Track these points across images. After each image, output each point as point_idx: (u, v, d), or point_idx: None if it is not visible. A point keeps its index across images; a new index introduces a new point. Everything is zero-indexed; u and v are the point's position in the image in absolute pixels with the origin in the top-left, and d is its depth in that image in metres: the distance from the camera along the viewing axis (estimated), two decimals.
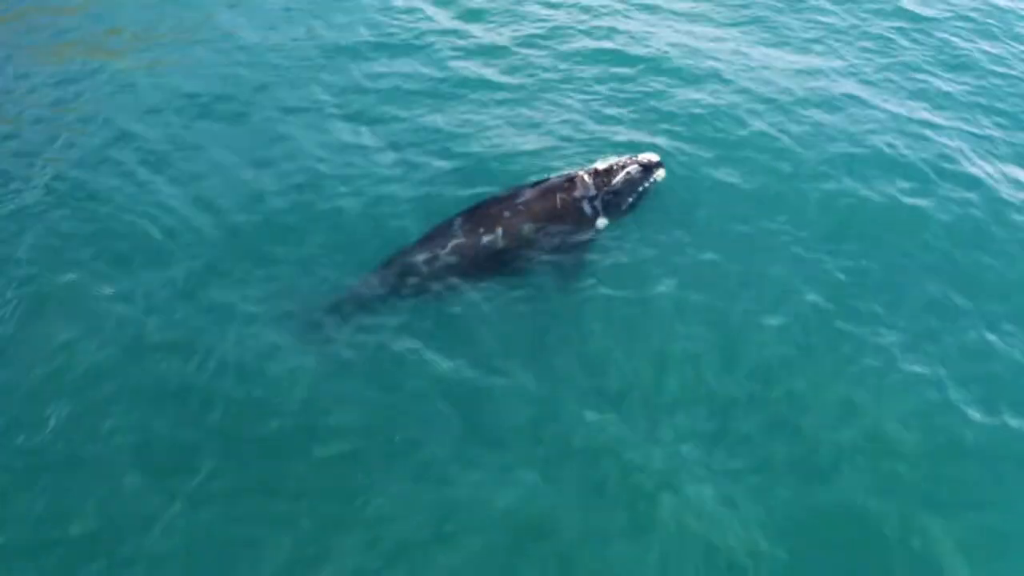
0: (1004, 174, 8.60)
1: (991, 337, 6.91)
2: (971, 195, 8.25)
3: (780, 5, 11.42)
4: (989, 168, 8.66)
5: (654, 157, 8.25)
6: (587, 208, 7.81)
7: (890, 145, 8.87)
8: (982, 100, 9.79)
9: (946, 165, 8.61)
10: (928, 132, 9.09)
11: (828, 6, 11.51)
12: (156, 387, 6.52)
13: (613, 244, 7.72)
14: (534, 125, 9.12)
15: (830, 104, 9.53)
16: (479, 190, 8.02)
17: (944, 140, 8.99)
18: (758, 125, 9.10)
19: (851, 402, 6.46)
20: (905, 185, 8.34)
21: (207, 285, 7.30)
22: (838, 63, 10.36)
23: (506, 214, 7.63)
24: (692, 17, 11.28)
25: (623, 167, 8.07)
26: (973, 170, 8.58)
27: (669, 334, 6.92)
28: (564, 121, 9.19)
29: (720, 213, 8.02)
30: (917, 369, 6.66)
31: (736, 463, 6.07)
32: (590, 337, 6.94)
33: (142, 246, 7.65)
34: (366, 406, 6.48)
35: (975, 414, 6.33)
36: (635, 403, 6.45)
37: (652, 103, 9.43)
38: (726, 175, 8.39)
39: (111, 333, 6.88)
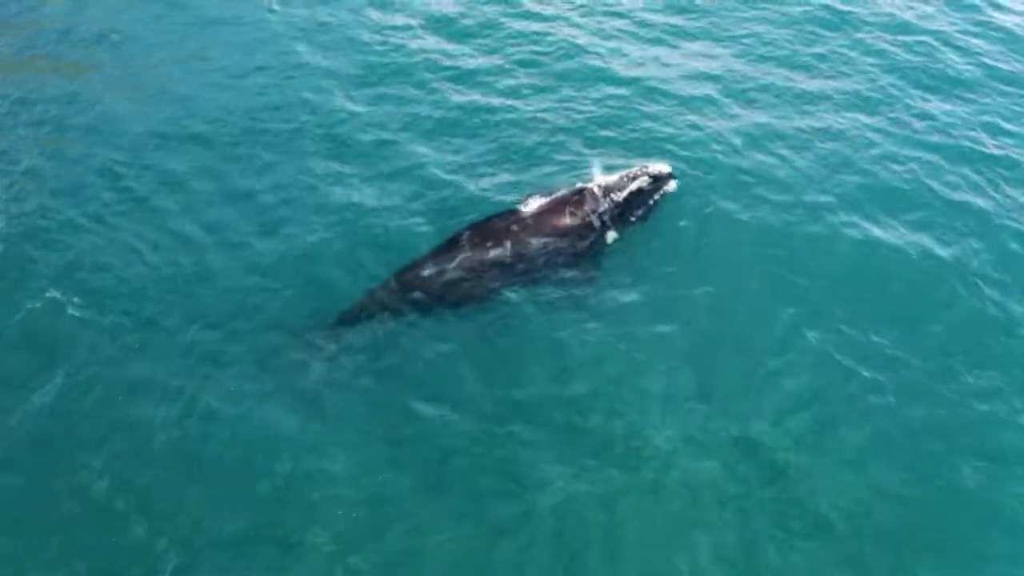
0: (1012, 200, 8.57)
1: (996, 380, 6.83)
2: (978, 227, 8.18)
3: (781, 25, 11.37)
4: (996, 196, 8.60)
5: (665, 168, 8.21)
6: (596, 221, 7.76)
7: (895, 173, 8.82)
8: (987, 119, 9.79)
9: (951, 194, 8.56)
10: (933, 157, 9.04)
11: (829, 19, 11.52)
12: (133, 428, 6.43)
13: (609, 276, 7.64)
14: (527, 149, 9.05)
15: (833, 129, 9.47)
16: (469, 217, 7.94)
17: (950, 166, 8.93)
18: (760, 153, 9.02)
19: (854, 447, 6.39)
20: (910, 216, 8.28)
21: (188, 322, 7.20)
22: (841, 84, 10.31)
23: (515, 228, 7.58)
24: (689, 37, 11.20)
25: (633, 179, 8.03)
26: (980, 201, 8.51)
27: (663, 377, 6.82)
28: (558, 145, 9.11)
29: (720, 244, 7.92)
30: (920, 414, 6.61)
31: (728, 512, 6.00)
32: (580, 375, 6.86)
33: (117, 278, 7.56)
34: (349, 448, 6.38)
35: (976, 466, 6.26)
36: (628, 454, 6.34)
37: (649, 125, 9.38)
38: (726, 205, 8.29)
39: (82, 367, 6.80)
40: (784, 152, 9.02)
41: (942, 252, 7.87)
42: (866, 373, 6.84)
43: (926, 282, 7.61)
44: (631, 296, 7.48)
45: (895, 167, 8.90)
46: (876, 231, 8.09)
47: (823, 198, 8.43)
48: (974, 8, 11.93)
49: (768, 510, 6.04)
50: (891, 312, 7.38)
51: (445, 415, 6.57)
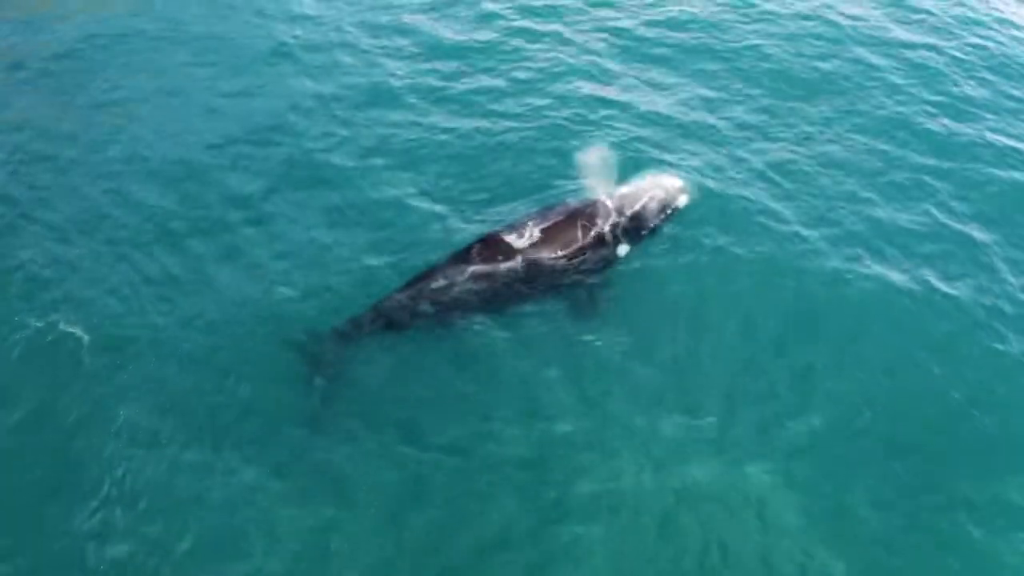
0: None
1: (1001, 426, 6.83)
2: (986, 260, 8.16)
3: (783, 46, 11.32)
4: (1005, 227, 8.59)
5: (677, 181, 8.30)
6: (608, 234, 7.83)
7: (901, 204, 8.77)
8: (995, 138, 9.82)
9: (958, 224, 8.55)
10: (941, 184, 9.03)
11: (833, 36, 11.56)
12: (121, 464, 6.42)
13: (610, 309, 7.64)
14: (521, 174, 9.04)
15: (837, 156, 9.43)
16: (460, 243, 7.89)
17: (958, 194, 8.95)
18: (761, 182, 8.97)
19: (855, 495, 6.39)
20: (917, 250, 8.24)
21: (176, 356, 7.22)
22: (845, 107, 10.26)
23: (527, 240, 7.64)
24: (687, 59, 11.09)
25: (645, 191, 8.11)
26: (988, 233, 8.49)
27: (659, 418, 6.80)
28: (550, 169, 9.08)
29: (720, 278, 7.89)
30: (923, 461, 6.60)
31: (718, 560, 6.03)
32: (573, 413, 6.86)
33: (102, 313, 7.55)
34: (335, 500, 6.40)
35: (977, 517, 6.27)
36: (619, 501, 6.32)
37: (645, 151, 9.30)
38: (726, 237, 8.24)
39: (63, 401, 6.81)
40: (786, 182, 9.00)
41: (949, 289, 7.86)
42: (868, 417, 6.86)
43: (932, 320, 7.60)
44: (630, 331, 7.51)
45: (901, 197, 8.91)
46: (882, 266, 8.08)
47: (826, 230, 8.41)
48: (980, 24, 12.03)
49: (762, 560, 6.05)
50: (895, 351, 7.38)
51: (433, 458, 6.59)
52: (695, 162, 9.16)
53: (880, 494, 6.40)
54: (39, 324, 7.42)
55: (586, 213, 7.89)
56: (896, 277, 7.96)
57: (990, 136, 9.95)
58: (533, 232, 7.70)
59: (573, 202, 8.08)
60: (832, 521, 6.24)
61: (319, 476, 6.53)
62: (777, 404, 6.95)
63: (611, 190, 8.16)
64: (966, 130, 10.00)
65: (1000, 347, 7.36)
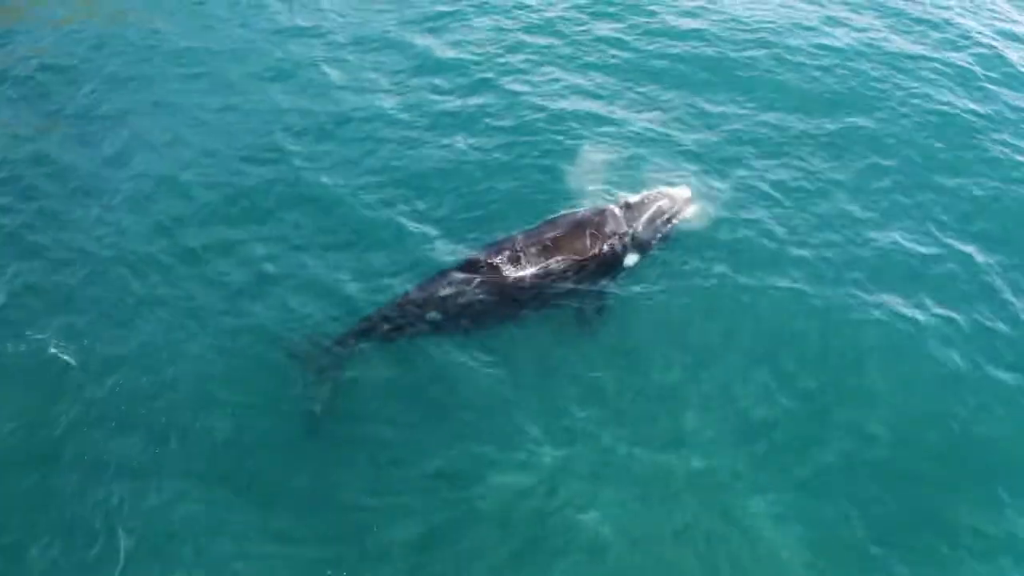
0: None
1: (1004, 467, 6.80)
2: (994, 294, 8.12)
3: (787, 67, 11.24)
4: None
5: (685, 192, 8.42)
6: (617, 244, 7.92)
7: (915, 235, 8.70)
8: (1002, 153, 9.85)
9: (965, 244, 8.55)
10: (946, 199, 9.07)
11: (839, 49, 11.56)
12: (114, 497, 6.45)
13: (606, 340, 7.69)
14: (512, 191, 9.06)
15: (845, 180, 9.36)
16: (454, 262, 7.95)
17: (966, 214, 8.96)
18: (768, 205, 8.95)
19: (853, 534, 6.38)
20: (929, 288, 8.13)
21: (170, 381, 7.24)
22: (851, 127, 10.20)
23: (534, 250, 7.73)
24: (685, 77, 11.00)
25: (654, 201, 8.23)
26: (1002, 259, 8.49)
27: (653, 455, 6.80)
28: (542, 187, 9.10)
29: (718, 309, 7.88)
30: (924, 502, 6.59)
31: None
32: (563, 443, 6.86)
33: (105, 338, 7.58)
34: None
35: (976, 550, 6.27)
36: (609, 544, 6.28)
37: (643, 167, 9.30)
38: (726, 267, 8.21)
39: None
40: (787, 200, 9.00)
41: (952, 313, 7.85)
42: (870, 445, 6.89)
43: (934, 345, 7.57)
44: (625, 357, 7.59)
45: (904, 216, 8.91)
46: (884, 291, 8.06)
47: (827, 252, 8.40)
48: (983, 35, 12.08)
49: None
50: (897, 377, 7.38)
51: (423, 486, 6.63)
52: (694, 180, 9.15)
53: (883, 524, 6.41)
54: (26, 345, 7.46)
55: (595, 222, 8.00)
56: (898, 301, 7.97)
57: (995, 151, 9.94)
58: (541, 240, 7.81)
59: (582, 211, 8.18)
60: (834, 553, 6.25)
61: (310, 503, 6.56)
62: (776, 433, 6.96)
63: (618, 200, 8.29)
64: (971, 144, 10.00)
65: (1002, 372, 7.37)
